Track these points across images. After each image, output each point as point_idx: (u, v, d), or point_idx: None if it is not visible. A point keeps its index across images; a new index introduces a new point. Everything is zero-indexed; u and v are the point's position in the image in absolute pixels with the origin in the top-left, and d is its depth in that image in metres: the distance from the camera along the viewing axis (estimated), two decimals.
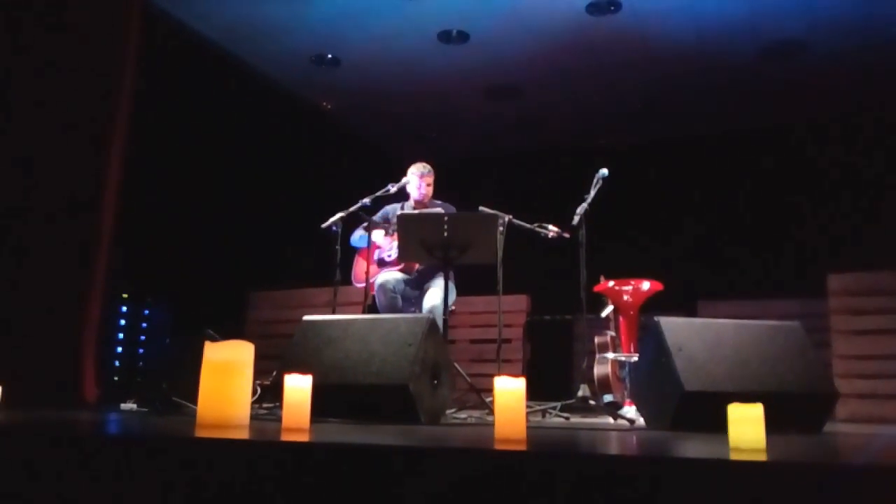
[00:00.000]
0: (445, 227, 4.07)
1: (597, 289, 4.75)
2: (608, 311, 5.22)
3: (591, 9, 5.77)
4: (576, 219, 4.40)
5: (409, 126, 8.04)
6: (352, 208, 4.68)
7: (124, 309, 6.35)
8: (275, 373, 3.42)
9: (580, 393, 4.20)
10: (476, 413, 4.03)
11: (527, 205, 4.82)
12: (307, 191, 6.82)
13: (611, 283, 4.66)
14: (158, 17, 5.61)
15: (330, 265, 4.65)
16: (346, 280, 4.91)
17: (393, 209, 5.06)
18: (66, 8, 4.60)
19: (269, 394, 3.68)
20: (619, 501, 1.51)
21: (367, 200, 4.73)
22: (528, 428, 2.18)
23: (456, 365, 3.95)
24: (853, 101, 7.09)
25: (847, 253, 6.49)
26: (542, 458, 1.69)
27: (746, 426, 1.88)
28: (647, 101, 7.36)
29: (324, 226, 4.62)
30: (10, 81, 4.44)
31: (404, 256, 4.46)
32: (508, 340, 6.21)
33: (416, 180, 4.92)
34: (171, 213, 5.93)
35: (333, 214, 4.63)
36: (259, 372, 2.83)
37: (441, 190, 5.11)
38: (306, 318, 3.55)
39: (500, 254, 4.18)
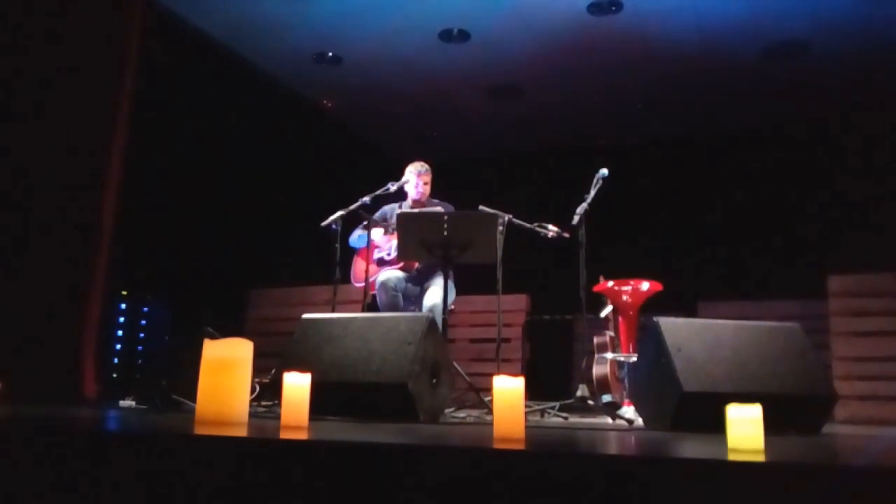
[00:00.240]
0: (445, 225, 4.07)
1: (596, 289, 4.75)
2: (607, 311, 5.22)
3: (592, 9, 5.77)
4: (576, 218, 4.40)
5: (410, 125, 8.05)
6: (352, 207, 4.68)
7: (124, 307, 6.35)
8: (274, 371, 3.43)
9: (579, 393, 4.20)
10: (475, 412, 4.03)
11: (527, 204, 4.82)
12: (307, 189, 6.82)
13: (610, 284, 4.66)
14: (159, 15, 5.60)
15: (329, 264, 4.65)
16: (346, 278, 4.91)
17: (391, 208, 5.07)
18: (67, 5, 4.60)
19: (268, 392, 3.68)
20: (617, 501, 1.51)
21: (366, 199, 4.74)
22: (527, 427, 2.18)
23: (455, 364, 3.94)
24: (854, 101, 7.09)
25: (847, 254, 6.49)
26: (540, 458, 1.68)
27: (745, 427, 1.88)
28: (648, 101, 7.36)
29: (323, 224, 4.62)
30: (10, 79, 4.44)
31: (404, 255, 4.46)
32: (508, 340, 6.22)
33: (414, 178, 4.93)
34: (171, 211, 5.93)
35: (333, 213, 4.63)
36: (258, 370, 2.82)
37: (441, 189, 5.12)
38: (306, 316, 3.55)
39: (499, 253, 4.18)
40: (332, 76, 7.01)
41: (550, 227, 4.49)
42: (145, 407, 3.65)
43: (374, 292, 4.78)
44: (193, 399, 2.54)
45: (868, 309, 5.25)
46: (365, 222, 4.83)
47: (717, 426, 1.99)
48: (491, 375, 2.29)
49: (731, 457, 1.72)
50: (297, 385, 2.39)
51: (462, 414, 3.93)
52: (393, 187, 4.85)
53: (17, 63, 4.47)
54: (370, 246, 4.80)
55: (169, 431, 2.20)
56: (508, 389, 2.16)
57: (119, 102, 4.60)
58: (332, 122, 7.91)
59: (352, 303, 5.49)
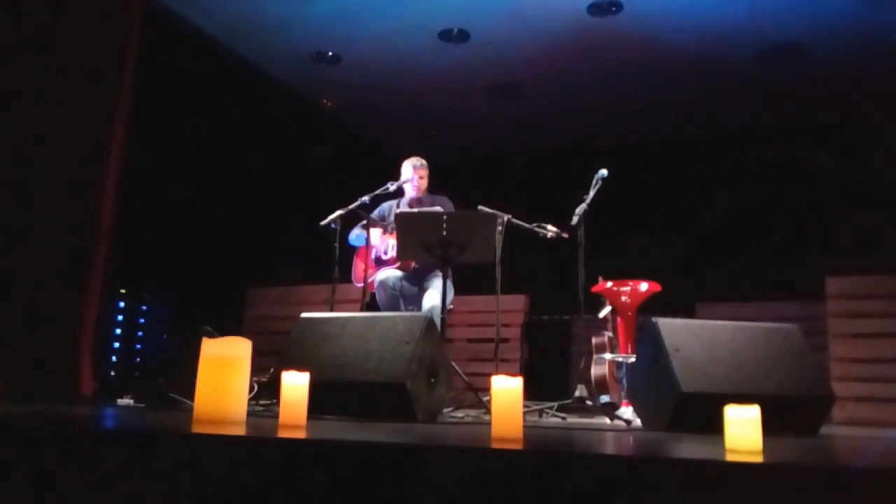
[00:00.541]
0: (444, 225, 4.07)
1: (595, 289, 4.76)
2: (606, 311, 5.22)
3: (592, 9, 5.77)
4: (575, 219, 4.41)
5: (409, 124, 8.05)
6: (351, 206, 4.69)
7: (122, 305, 6.35)
8: (272, 369, 3.43)
9: (577, 393, 4.20)
10: (473, 412, 4.03)
11: (526, 204, 4.82)
12: (306, 188, 6.82)
13: (609, 284, 4.66)
14: (159, 13, 5.60)
15: (328, 263, 4.65)
16: (345, 278, 4.91)
17: (389, 206, 5.07)
18: (66, 4, 4.60)
19: (266, 390, 3.68)
20: (615, 502, 1.51)
21: (366, 198, 4.74)
22: (525, 427, 2.18)
23: (453, 364, 3.94)
24: (853, 104, 7.10)
25: (845, 256, 6.50)
26: (538, 458, 1.68)
27: (743, 428, 1.88)
28: (648, 102, 7.36)
29: (322, 223, 4.62)
30: (9, 76, 4.44)
31: (403, 255, 4.46)
32: (506, 340, 6.21)
33: (410, 172, 4.95)
34: (170, 210, 5.93)
35: (332, 212, 4.63)
36: (257, 369, 2.83)
37: (440, 189, 5.12)
38: (304, 315, 3.55)
39: (498, 253, 4.18)
40: (331, 75, 7.01)
41: (549, 227, 4.49)
42: (143, 405, 3.65)
43: (374, 291, 4.79)
44: (191, 397, 2.53)
45: (866, 311, 5.26)
46: (364, 221, 4.83)
47: (715, 427, 1.99)
48: (489, 375, 2.30)
49: (729, 457, 1.72)
50: (295, 384, 2.39)
51: (460, 414, 3.93)
52: (392, 187, 4.86)
53: (16, 60, 4.46)
54: (368, 246, 4.80)
55: (167, 430, 2.20)
56: (506, 389, 2.16)
57: (118, 100, 4.59)
58: (331, 121, 7.91)
59: (350, 302, 5.49)
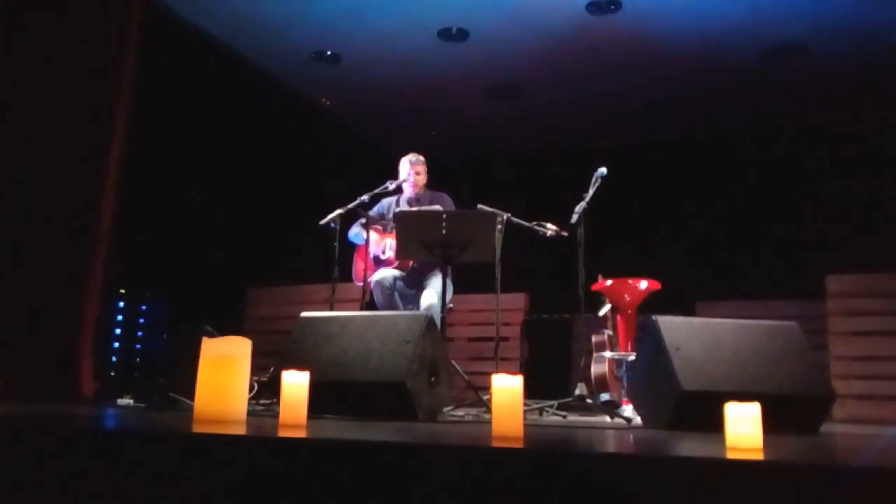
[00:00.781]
0: (444, 224, 4.06)
1: (595, 287, 4.75)
2: (606, 309, 5.22)
3: (591, 8, 5.76)
4: (574, 217, 4.41)
5: (409, 123, 8.05)
6: (350, 205, 4.69)
7: (122, 305, 6.34)
8: (272, 369, 3.43)
9: (577, 391, 4.20)
10: (473, 411, 4.03)
11: (525, 203, 4.82)
12: (306, 187, 6.82)
13: (609, 282, 4.66)
14: (159, 13, 5.60)
15: (328, 262, 4.65)
16: (345, 277, 4.91)
17: (388, 203, 5.07)
18: (67, 4, 4.59)
19: (266, 390, 3.68)
20: (615, 499, 1.51)
21: (365, 197, 4.74)
22: (525, 426, 2.18)
23: (454, 363, 3.94)
24: (853, 103, 7.09)
25: (845, 254, 6.49)
26: (538, 456, 1.68)
27: (744, 426, 1.89)
28: (647, 101, 7.36)
29: (322, 222, 4.62)
30: (8, 77, 4.44)
31: (403, 254, 4.46)
32: (506, 338, 6.22)
33: (407, 167, 4.96)
34: (170, 209, 5.93)
35: (332, 211, 4.63)
36: (257, 368, 2.83)
37: (440, 188, 5.12)
38: (304, 314, 3.55)
39: (498, 252, 4.18)
40: (330, 74, 7.00)
41: (549, 225, 4.49)
42: (143, 405, 3.65)
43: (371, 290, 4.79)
44: (192, 397, 2.54)
45: (866, 309, 5.26)
46: (363, 220, 4.83)
47: (716, 425, 2.00)
48: (489, 374, 2.30)
49: (730, 455, 1.72)
50: (295, 383, 2.39)
51: (460, 412, 3.93)
52: (392, 186, 4.86)
53: (16, 60, 4.46)
54: (367, 244, 4.80)
55: (167, 430, 2.20)
56: (507, 388, 2.16)
57: (118, 100, 4.59)
58: (330, 120, 7.90)
59: (350, 301, 5.49)
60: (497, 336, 4.63)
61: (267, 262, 6.84)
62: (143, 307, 6.51)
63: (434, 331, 3.40)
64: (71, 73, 4.50)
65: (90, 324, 4.38)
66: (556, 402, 4.03)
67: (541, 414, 4.00)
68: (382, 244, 4.89)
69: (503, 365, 5.47)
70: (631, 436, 2.67)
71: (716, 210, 7.56)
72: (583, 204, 4.41)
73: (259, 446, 1.83)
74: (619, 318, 4.71)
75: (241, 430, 2.15)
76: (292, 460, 1.73)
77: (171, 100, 5.73)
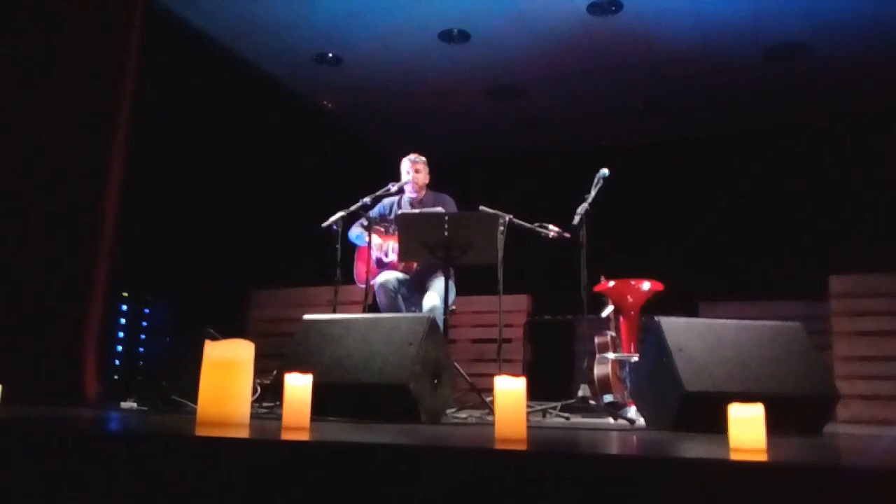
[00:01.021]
0: (446, 226, 4.06)
1: (597, 289, 4.75)
2: (609, 311, 5.21)
3: (592, 9, 5.77)
4: (576, 218, 4.41)
5: (410, 125, 8.05)
6: (352, 207, 4.69)
7: (125, 307, 6.35)
8: (275, 372, 3.42)
9: (580, 393, 4.20)
10: (476, 413, 4.03)
11: (528, 204, 4.82)
12: (308, 189, 6.82)
13: (611, 284, 4.66)
14: (160, 15, 5.60)
15: (331, 264, 4.65)
16: (347, 279, 4.91)
17: (390, 202, 5.07)
18: (68, 5, 4.60)
19: (269, 393, 3.68)
20: (619, 501, 1.51)
21: (367, 199, 4.74)
22: (529, 428, 2.18)
23: (456, 365, 3.94)
24: (856, 103, 7.09)
25: (849, 255, 6.49)
26: (542, 458, 1.68)
27: (747, 427, 1.88)
28: (649, 102, 7.36)
29: (324, 225, 4.62)
30: (10, 79, 4.44)
31: (405, 256, 4.46)
32: (509, 340, 6.21)
33: (407, 166, 4.97)
34: (173, 212, 5.93)
35: (334, 213, 4.63)
36: (260, 371, 2.82)
37: (442, 189, 5.12)
38: (307, 317, 3.55)
39: (500, 253, 4.18)
40: (332, 77, 7.01)
41: (551, 227, 4.49)
42: (146, 408, 3.65)
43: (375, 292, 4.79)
44: (195, 400, 2.54)
45: (869, 309, 5.25)
46: (364, 222, 4.83)
47: (719, 426, 1.99)
48: (492, 376, 2.29)
49: (734, 457, 1.72)
50: (298, 386, 2.39)
51: (463, 415, 3.93)
52: (394, 188, 4.87)
53: (19, 63, 4.47)
54: (369, 247, 4.80)
55: (170, 433, 2.20)
56: (510, 390, 2.15)
57: (120, 103, 4.60)
58: (332, 122, 7.91)
59: (353, 303, 5.49)
60: (500, 338, 4.63)
61: (270, 265, 6.85)
62: (147, 310, 6.52)
63: (437, 333, 3.39)
64: (73, 77, 4.51)
65: (93, 326, 4.39)
66: (559, 404, 4.03)
67: (544, 416, 3.99)
68: (385, 247, 4.89)
69: (506, 367, 5.47)
70: (634, 437, 2.66)
71: (718, 210, 7.55)
72: (585, 205, 4.41)
73: (262, 449, 1.83)
74: (621, 319, 4.71)
75: (244, 433, 2.14)
76: (295, 463, 1.73)
77: (173, 102, 5.74)
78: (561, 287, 5.50)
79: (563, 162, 7.87)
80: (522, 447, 1.89)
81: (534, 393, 3.42)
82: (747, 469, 1.55)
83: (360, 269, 4.99)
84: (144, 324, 6.49)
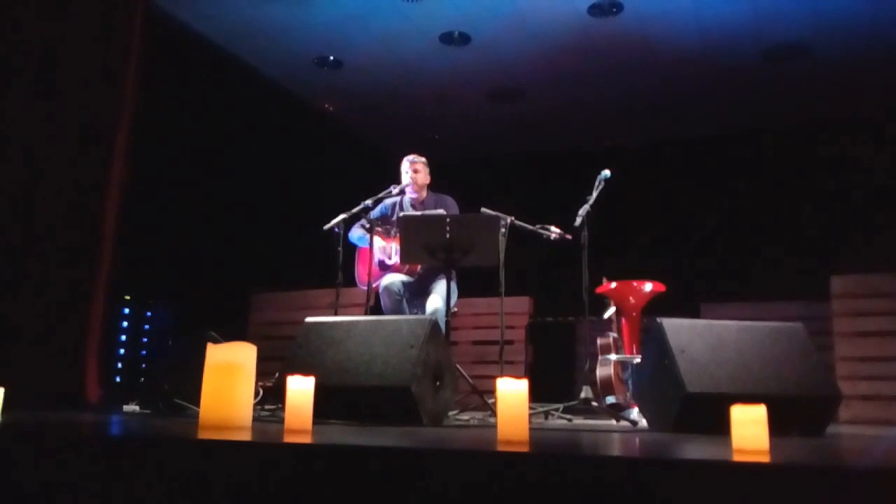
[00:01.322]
0: (447, 228, 4.06)
1: (599, 290, 4.75)
2: (610, 312, 5.21)
3: (592, 10, 5.77)
4: (578, 220, 4.41)
5: (411, 128, 8.05)
6: (354, 210, 4.69)
7: (127, 311, 6.36)
8: (277, 374, 3.43)
9: (583, 394, 4.20)
10: (478, 415, 4.03)
11: (529, 206, 4.82)
12: (309, 193, 6.83)
13: (613, 285, 4.65)
14: (161, 19, 5.61)
15: (332, 267, 4.65)
16: (349, 282, 4.91)
17: (392, 203, 5.07)
18: (69, 10, 4.61)
19: (271, 396, 3.68)
20: (621, 503, 1.51)
21: (369, 202, 4.74)
22: (531, 430, 2.18)
23: (458, 367, 3.94)
24: (856, 103, 7.09)
25: (850, 255, 6.48)
26: (544, 460, 1.68)
27: (749, 428, 1.88)
28: (650, 103, 7.36)
29: (326, 227, 4.62)
30: (12, 83, 4.45)
31: (407, 258, 4.46)
32: (511, 342, 6.21)
33: (406, 165, 4.98)
34: (174, 215, 5.94)
35: (336, 216, 4.64)
36: (261, 374, 2.83)
37: (443, 191, 5.12)
38: (309, 319, 3.55)
39: (502, 255, 4.18)
40: (333, 80, 7.02)
41: (553, 228, 4.49)
42: (149, 411, 3.65)
43: (378, 293, 4.79)
44: (197, 403, 2.54)
45: (871, 309, 5.24)
46: (366, 224, 4.83)
47: (721, 427, 1.99)
48: (494, 378, 2.29)
49: (736, 458, 1.72)
50: (300, 389, 2.39)
51: (465, 417, 3.92)
52: (395, 190, 4.87)
53: (19, 68, 4.48)
54: (370, 249, 4.80)
55: (172, 436, 2.20)
56: (512, 392, 2.15)
57: (121, 107, 4.60)
58: (333, 125, 7.92)
59: (354, 306, 5.49)
60: (501, 340, 4.63)
61: (271, 268, 6.85)
62: (149, 313, 6.53)
63: (438, 335, 3.39)
64: (74, 79, 4.51)
65: (95, 330, 4.39)
66: (561, 406, 4.03)
67: (546, 417, 3.99)
68: (388, 249, 4.89)
69: (508, 368, 5.47)
70: (637, 439, 2.66)
71: (719, 211, 7.54)
72: (586, 206, 4.41)
73: (264, 452, 1.83)
74: (623, 320, 4.71)
75: (246, 435, 2.15)
76: (297, 466, 1.73)
77: (174, 105, 5.75)
78: (562, 289, 5.50)
79: (565, 163, 7.86)
80: (525, 449, 1.89)
81: (536, 395, 3.42)
82: (750, 470, 1.55)
83: (361, 271, 4.99)
84: (146, 327, 6.51)
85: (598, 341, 5.27)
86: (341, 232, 4.63)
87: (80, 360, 4.24)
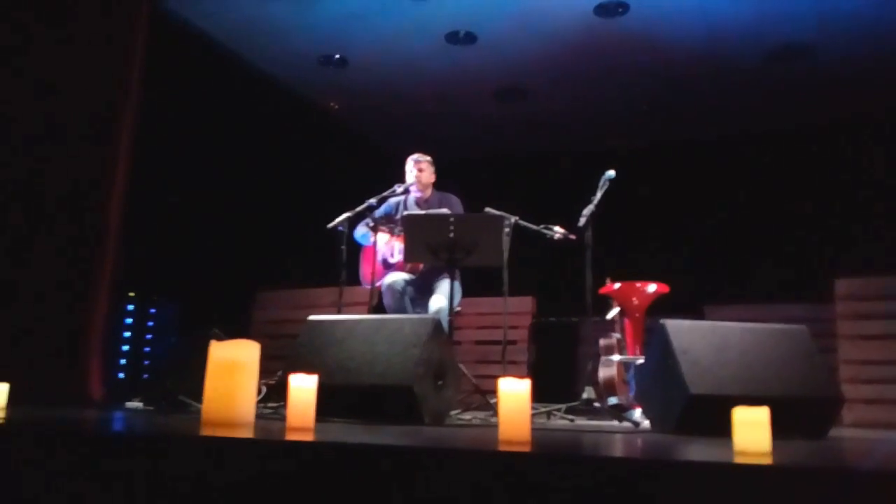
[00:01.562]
0: (451, 228, 4.07)
1: (603, 291, 4.75)
2: (614, 313, 5.21)
3: (598, 10, 5.76)
4: (582, 220, 4.41)
5: (416, 127, 8.05)
6: (358, 209, 4.70)
7: (131, 308, 6.36)
8: (280, 372, 3.43)
9: (585, 395, 4.20)
10: (480, 414, 4.03)
11: (533, 206, 4.82)
12: (314, 191, 6.83)
13: (617, 286, 4.65)
14: (165, 18, 5.62)
15: (336, 266, 4.66)
16: (352, 280, 4.91)
17: (396, 202, 5.08)
18: (72, 8, 4.62)
19: (274, 393, 3.68)
20: None
21: (373, 201, 4.75)
22: (533, 430, 2.18)
23: (461, 366, 3.94)
24: (860, 104, 7.06)
25: (854, 257, 6.47)
26: (546, 460, 1.68)
27: (752, 430, 1.88)
28: (655, 104, 7.34)
29: (330, 226, 4.63)
30: (16, 79, 4.46)
31: (410, 257, 4.47)
32: (514, 342, 6.20)
33: (410, 164, 5.00)
34: (179, 213, 5.94)
35: (340, 215, 4.64)
36: (265, 372, 2.83)
37: (448, 190, 5.13)
38: (312, 318, 3.56)
39: (505, 255, 4.18)
40: (337, 78, 7.01)
41: (557, 228, 4.49)
42: (152, 408, 3.66)
43: (381, 292, 4.80)
44: (200, 400, 2.54)
45: (875, 312, 5.23)
46: (371, 222, 4.84)
47: (724, 429, 1.99)
48: (496, 377, 2.29)
49: (738, 460, 1.72)
50: (303, 387, 2.40)
51: (467, 416, 3.93)
52: (399, 189, 4.88)
53: (24, 65, 4.49)
54: (374, 246, 4.81)
55: (175, 433, 2.20)
56: (514, 392, 2.15)
57: (124, 104, 4.62)
58: (338, 124, 7.91)
59: (358, 305, 5.49)
60: (504, 339, 4.63)
61: (275, 266, 6.85)
62: (152, 310, 6.53)
63: (441, 334, 3.40)
64: (78, 77, 4.53)
65: (99, 327, 4.41)
66: (563, 406, 4.03)
67: (548, 418, 3.99)
68: (391, 247, 4.90)
69: (510, 368, 5.47)
70: (639, 440, 2.66)
71: (723, 212, 7.54)
72: (591, 207, 4.41)
73: (266, 449, 1.83)
74: (626, 321, 4.71)
75: (248, 433, 2.15)
76: (299, 463, 1.74)
77: (178, 103, 5.75)
78: (566, 289, 5.50)
79: (569, 163, 7.86)
80: (526, 449, 1.89)
81: (538, 395, 3.41)
82: (752, 472, 1.55)
83: (365, 270, 4.99)
84: (150, 324, 6.50)
85: (601, 342, 5.26)
86: (345, 230, 4.64)
87: (84, 356, 4.26)
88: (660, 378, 3.12)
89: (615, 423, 3.74)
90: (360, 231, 4.96)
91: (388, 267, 4.91)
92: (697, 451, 2.16)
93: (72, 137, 4.45)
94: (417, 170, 4.98)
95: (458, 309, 4.84)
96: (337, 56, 6.64)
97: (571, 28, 6.03)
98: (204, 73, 6.14)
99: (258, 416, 2.67)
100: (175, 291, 6.31)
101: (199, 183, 6.09)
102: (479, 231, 4.12)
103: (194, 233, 6.05)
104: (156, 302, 6.53)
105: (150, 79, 4.91)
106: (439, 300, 4.61)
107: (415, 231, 4.20)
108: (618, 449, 2.23)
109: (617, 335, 5.21)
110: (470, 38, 6.25)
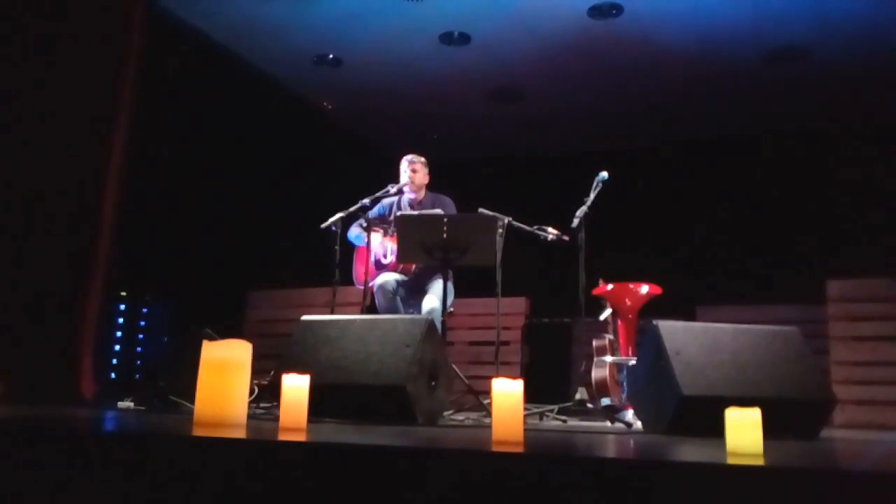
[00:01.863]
0: (445, 228, 4.07)
1: (595, 292, 4.75)
2: (607, 314, 5.21)
3: (592, 12, 5.77)
4: (575, 221, 4.42)
5: (410, 127, 8.05)
6: (351, 209, 4.69)
7: (123, 307, 6.35)
8: (272, 372, 3.43)
9: (578, 396, 4.21)
10: (473, 415, 4.03)
11: (527, 207, 4.82)
12: (307, 191, 6.82)
13: (609, 287, 4.65)
14: (160, 17, 5.60)
15: (329, 265, 4.65)
16: (345, 280, 4.91)
17: (390, 203, 5.08)
18: (68, 6, 4.61)
19: (266, 393, 3.68)
20: None
21: (366, 201, 4.75)
22: (526, 430, 2.18)
23: (454, 367, 3.94)
24: (855, 106, 7.09)
25: (846, 259, 6.49)
26: (538, 461, 1.68)
27: (744, 431, 1.88)
28: (648, 105, 7.36)
29: (323, 226, 4.63)
30: (10, 79, 4.44)
31: (403, 258, 4.46)
32: (507, 342, 6.21)
33: (405, 165, 4.99)
34: (171, 212, 5.93)
35: (333, 214, 4.64)
36: (257, 371, 2.83)
37: (441, 191, 5.12)
38: (305, 317, 3.55)
39: (499, 256, 4.18)
40: (332, 78, 7.01)
41: (550, 229, 4.49)
42: (144, 408, 3.65)
43: (373, 292, 4.79)
44: (192, 400, 2.54)
45: (866, 313, 5.25)
46: (364, 223, 4.83)
47: (716, 430, 1.99)
48: (490, 378, 2.29)
49: (730, 461, 1.72)
50: (295, 387, 2.39)
51: (460, 416, 3.93)
52: (393, 189, 4.87)
53: (19, 61, 4.47)
54: (368, 247, 4.80)
55: (167, 433, 2.20)
56: (507, 392, 2.15)
57: (119, 103, 4.60)
58: (332, 123, 7.91)
59: (351, 305, 5.49)
60: (497, 340, 4.63)
61: (268, 265, 6.84)
62: (144, 309, 6.51)
63: (434, 335, 3.40)
64: (73, 76, 4.51)
65: (91, 326, 4.38)
66: (556, 407, 4.03)
67: (541, 418, 3.99)
68: (384, 248, 4.89)
69: (503, 369, 5.47)
70: (631, 441, 2.66)
71: (716, 214, 7.56)
72: (584, 208, 4.41)
73: (259, 449, 1.83)
74: (619, 322, 4.71)
75: (241, 433, 2.15)
76: (292, 464, 1.73)
77: (172, 103, 5.73)
78: (559, 290, 5.50)
79: (563, 164, 7.87)
80: (519, 450, 1.89)
81: (531, 395, 3.42)
82: (744, 473, 1.55)
83: (358, 270, 4.99)
84: (142, 323, 6.49)
85: (594, 343, 5.27)
86: (339, 230, 4.63)
87: (76, 356, 4.23)
88: (652, 379, 3.12)
89: (608, 423, 3.75)
90: (354, 232, 4.95)
91: (380, 267, 4.91)
92: (690, 451, 2.16)
93: (66, 137, 4.43)
94: (411, 171, 4.98)
95: (452, 310, 4.84)
96: (331, 56, 6.63)
97: (565, 29, 6.04)
98: (198, 73, 6.13)
99: (250, 416, 2.67)
100: (167, 291, 6.29)
101: (192, 182, 6.08)
102: (472, 231, 4.12)
103: (187, 232, 6.04)
104: (148, 301, 6.52)
105: (145, 77, 4.89)
106: (432, 301, 4.61)
107: (408, 231, 4.20)
108: (610, 450, 2.23)
109: (609, 336, 5.22)
110: (464, 38, 6.25)
